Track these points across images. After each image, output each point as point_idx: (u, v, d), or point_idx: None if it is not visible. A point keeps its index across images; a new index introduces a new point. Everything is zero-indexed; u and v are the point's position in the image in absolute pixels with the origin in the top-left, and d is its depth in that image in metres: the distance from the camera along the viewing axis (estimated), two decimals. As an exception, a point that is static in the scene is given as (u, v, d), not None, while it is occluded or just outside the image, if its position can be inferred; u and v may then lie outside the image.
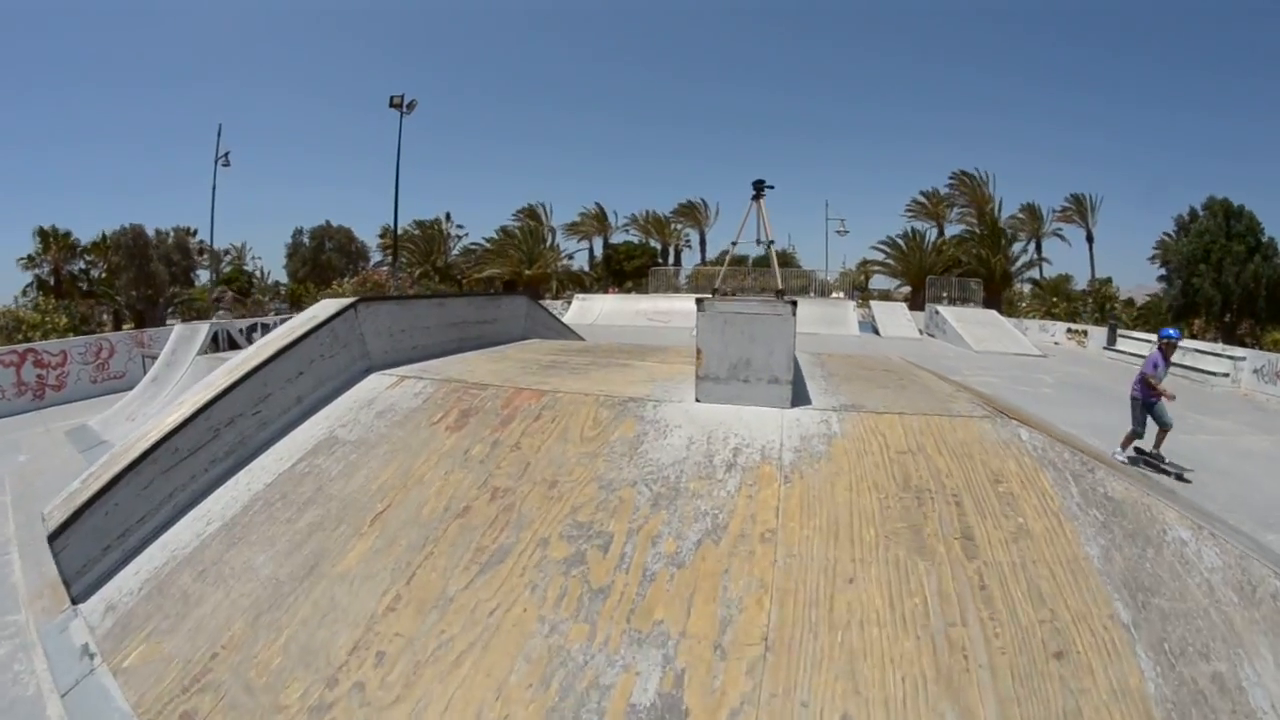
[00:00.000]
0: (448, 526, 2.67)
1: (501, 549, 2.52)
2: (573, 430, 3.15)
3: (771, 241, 6.02)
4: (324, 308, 4.10)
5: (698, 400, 3.29)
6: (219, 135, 25.83)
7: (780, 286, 5.79)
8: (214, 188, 25.48)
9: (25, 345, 9.82)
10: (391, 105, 23.97)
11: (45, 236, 33.61)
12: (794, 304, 3.21)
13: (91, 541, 3.02)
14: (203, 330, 9.63)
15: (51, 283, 33.59)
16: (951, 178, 37.83)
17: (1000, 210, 35.69)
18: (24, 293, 32.57)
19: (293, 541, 2.75)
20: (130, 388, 8.78)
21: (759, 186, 6.06)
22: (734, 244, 6.54)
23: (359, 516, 2.80)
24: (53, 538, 3.01)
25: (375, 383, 3.89)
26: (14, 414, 8.41)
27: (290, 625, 2.35)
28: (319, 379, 3.91)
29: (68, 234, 34.22)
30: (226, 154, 25.14)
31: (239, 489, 3.31)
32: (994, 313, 19.60)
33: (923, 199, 39.43)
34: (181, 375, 6.99)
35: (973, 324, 17.57)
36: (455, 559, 2.49)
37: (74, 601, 2.92)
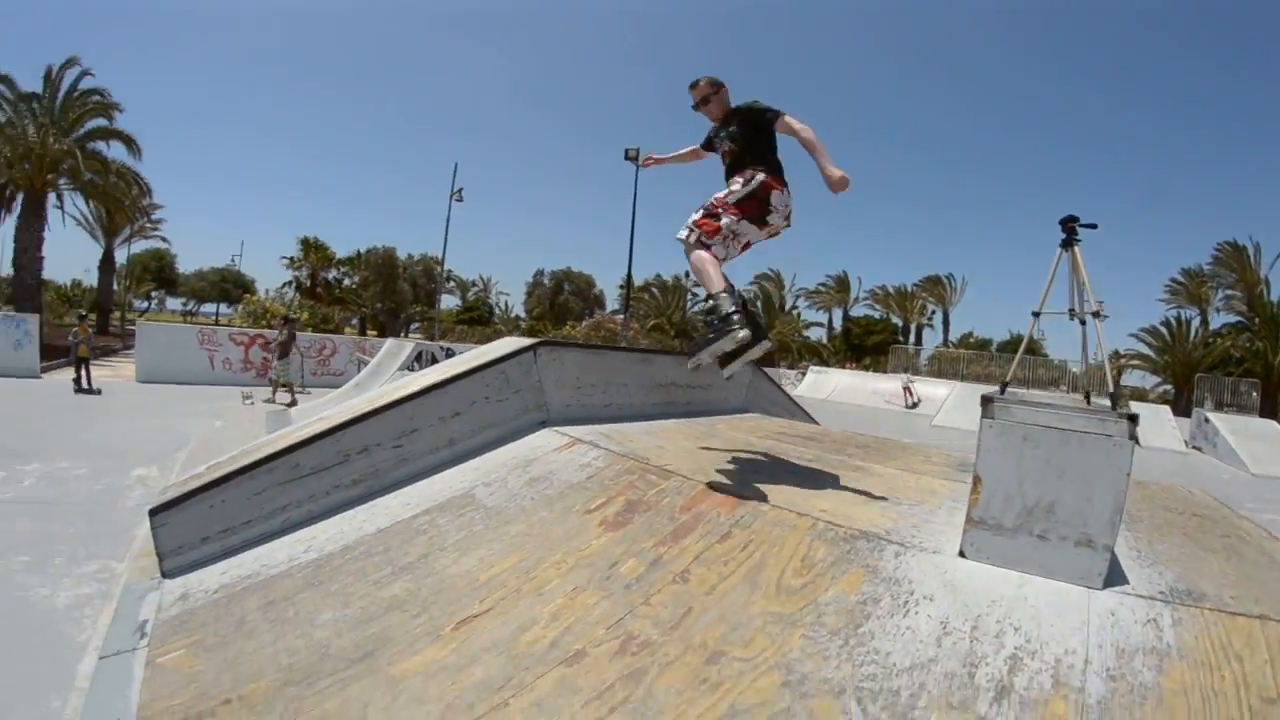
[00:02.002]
0: (542, 675, 2.42)
1: (600, 742, 2.23)
2: (769, 570, 2.73)
3: (1097, 312, 4.44)
4: (499, 346, 4.71)
5: (962, 554, 2.72)
6: (455, 173, 37.40)
7: (1110, 388, 4.45)
8: (448, 219, 38.18)
9: (256, 331, 14.69)
10: (627, 158, 30.33)
11: (307, 245, 51.02)
12: (1133, 420, 2.65)
13: (190, 528, 3.76)
14: (408, 348, 12.61)
15: (308, 285, 50.23)
16: (1217, 249, 40.09)
17: (1269, 291, 37.23)
18: (281, 289, 51.93)
19: (366, 612, 3.00)
20: (343, 384, 12.24)
21: (1070, 226, 4.50)
22: (1036, 314, 4.78)
23: (447, 611, 2.87)
24: (154, 512, 3.78)
25: (544, 440, 4.19)
26: (234, 384, 11.91)
27: (305, 714, 2.44)
28: (479, 423, 4.31)
29: (325, 246, 51.89)
30: (460, 190, 36.32)
31: (353, 525, 3.77)
32: (1275, 424, 20.17)
33: (1181, 279, 42.43)
34: (380, 386, 8.25)
35: (1250, 438, 17.91)
36: None
37: (163, 575, 3.65)
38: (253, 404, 10.79)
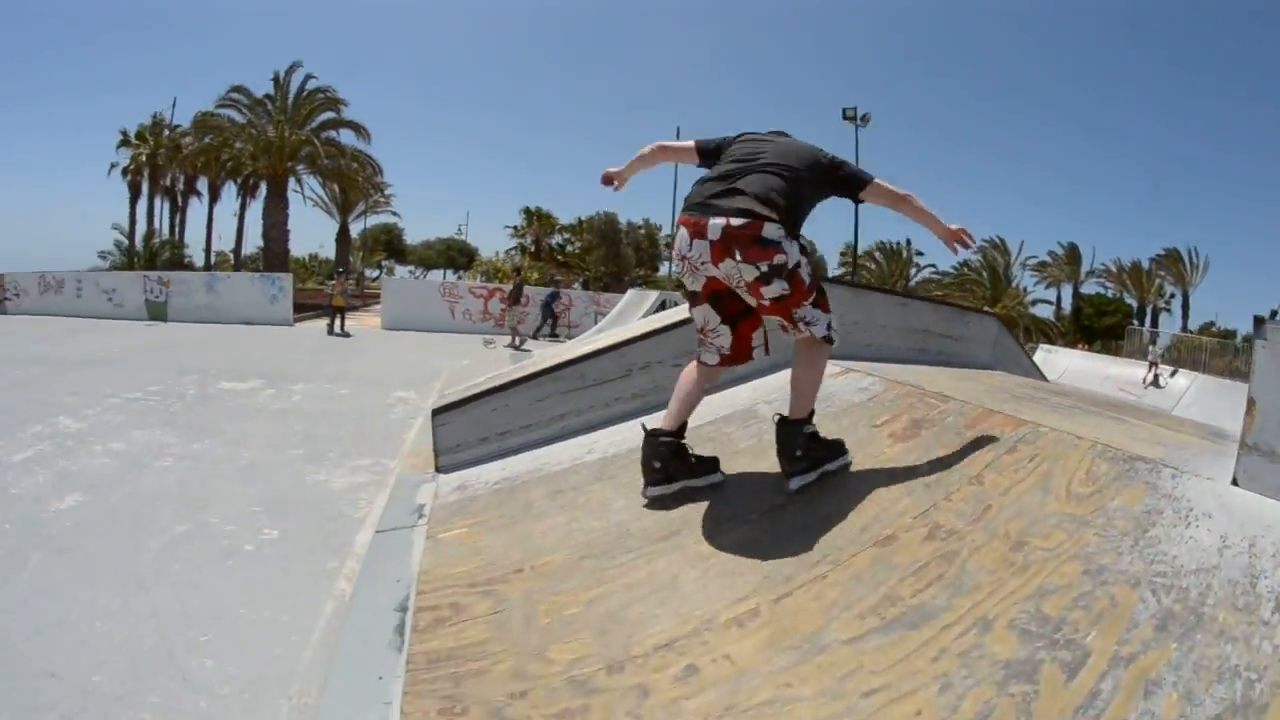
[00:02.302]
0: (858, 552, 2.51)
1: (921, 610, 2.21)
2: (1057, 479, 2.71)
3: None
4: None
5: (1235, 483, 2.40)
6: (677, 136, 33.77)
7: None
8: (675, 183, 35.48)
9: (494, 285, 16.31)
10: (845, 118, 29.18)
11: (529, 214, 54.53)
12: None
13: (470, 428, 4.14)
14: (652, 295, 12.64)
15: (533, 251, 53.97)
16: None
17: None
18: (507, 254, 55.75)
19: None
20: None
21: None
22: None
23: (749, 501, 2.95)
24: (437, 412, 4.22)
25: None
26: (473, 332, 13.27)
27: (609, 583, 2.58)
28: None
29: (549, 214, 55.34)
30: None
31: (633, 432, 3.85)
32: None
33: None
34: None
35: None
36: (853, 595, 2.31)
37: (437, 471, 4.02)
38: (494, 347, 11.94)
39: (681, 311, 4.87)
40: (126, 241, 41.30)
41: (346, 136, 31.51)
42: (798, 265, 2.69)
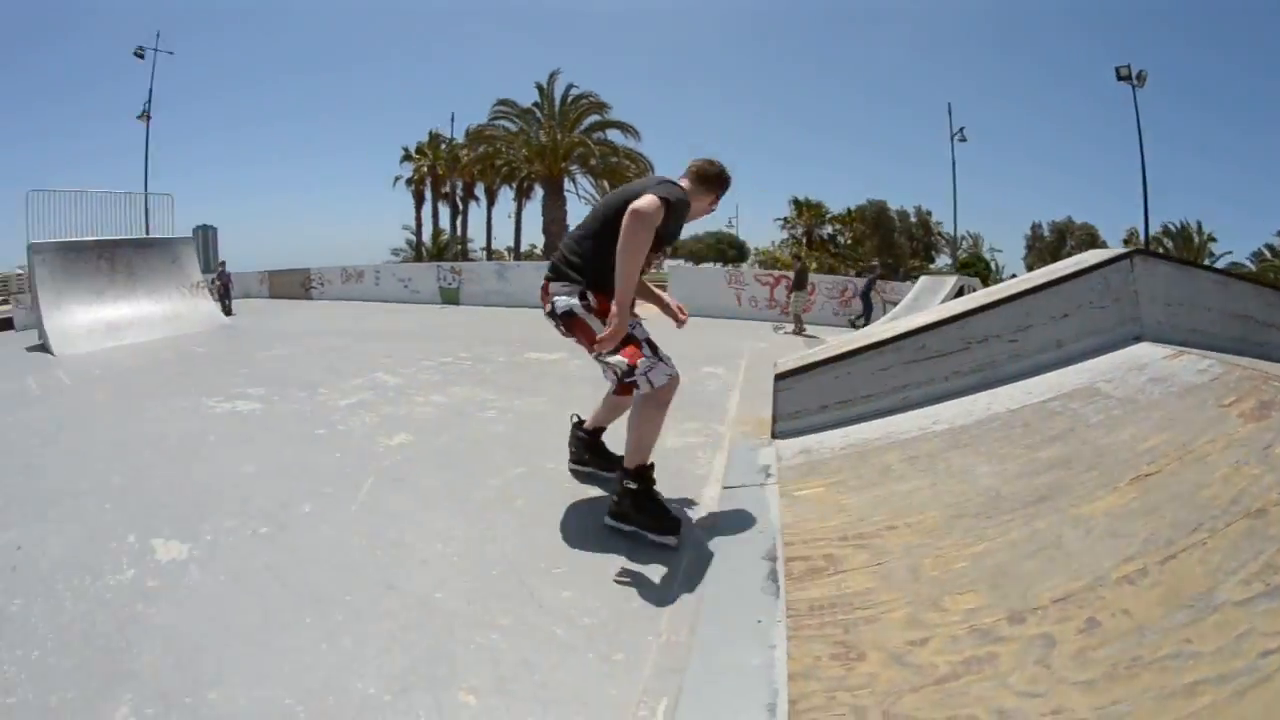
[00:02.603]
0: (1232, 522, 2.42)
1: (1304, 580, 2.26)
2: None
3: None
4: (1091, 255, 4.68)
5: None
6: (949, 114, 34.37)
7: None
8: (954, 164, 34.23)
9: (780, 272, 16.00)
10: (1119, 78, 28.53)
11: (799, 205, 54.58)
12: None
13: (810, 395, 4.24)
14: (950, 281, 13.55)
15: (804, 243, 53.67)
16: None
17: None
18: (779, 246, 55.04)
19: (1027, 466, 3.07)
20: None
21: None
22: None
23: (1115, 470, 2.88)
24: (779, 378, 4.31)
25: (1146, 350, 4.12)
26: (760, 319, 13.65)
27: (990, 540, 2.58)
28: (1084, 328, 4.39)
29: (819, 204, 54.66)
30: (961, 129, 34.43)
31: (975, 406, 3.91)
32: None
33: None
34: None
35: None
36: (1235, 562, 2.23)
37: (774, 436, 4.17)
38: (784, 333, 12.12)
39: (1007, 288, 4.76)
40: (415, 239, 47.44)
41: (614, 136, 33.32)
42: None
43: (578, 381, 6.61)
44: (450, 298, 19.35)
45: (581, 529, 3.26)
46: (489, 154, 34.64)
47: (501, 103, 32.84)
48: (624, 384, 3.15)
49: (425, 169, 47.95)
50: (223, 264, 22.71)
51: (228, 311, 18.69)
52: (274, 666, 2.39)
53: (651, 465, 3.22)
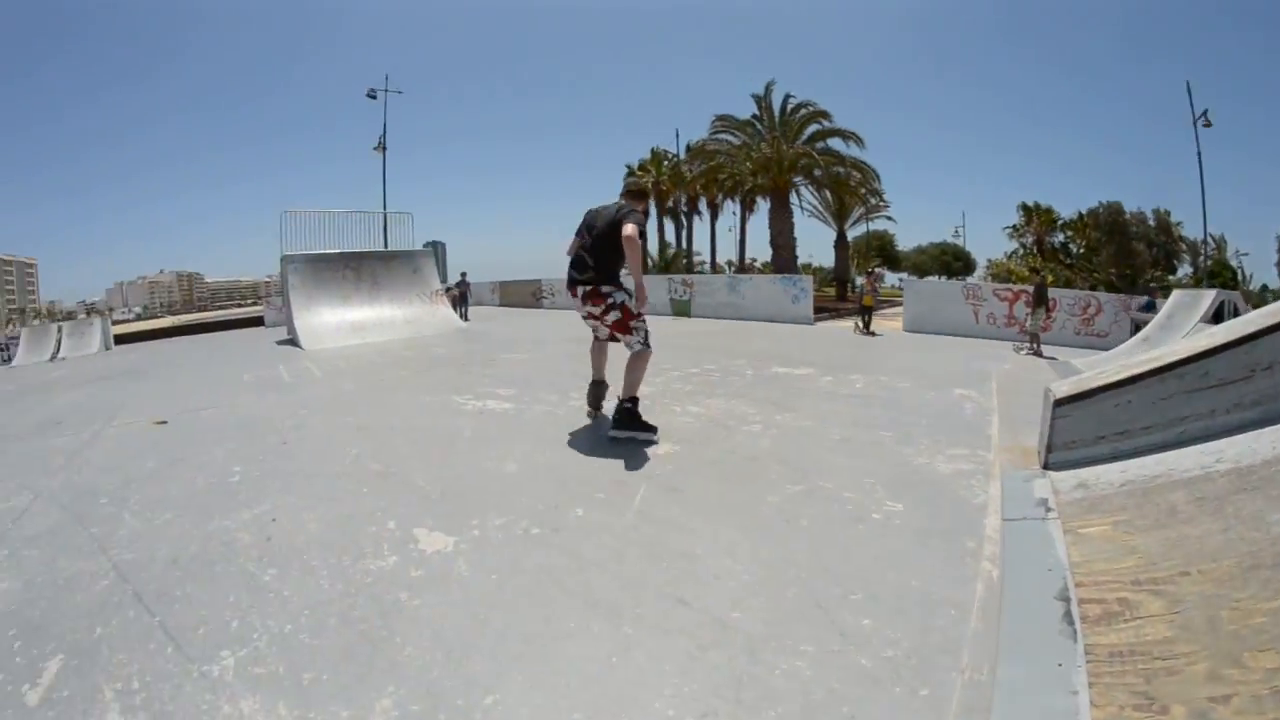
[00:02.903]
0: None
1: None
2: None
3: None
4: None
5: None
6: (1189, 95, 30.34)
7: None
8: (1199, 156, 29.77)
9: (1020, 287, 14.19)
10: None
11: (1028, 210, 49.88)
12: None
13: (1087, 424, 3.93)
14: (1208, 296, 11.91)
15: (1034, 251, 48.89)
16: None
17: None
18: (1007, 256, 51.23)
19: None
20: (1108, 347, 11.87)
21: None
22: None
23: None
24: (1058, 404, 4.04)
25: None
26: (997, 338, 12.66)
27: None
28: None
29: (1049, 209, 49.57)
30: (1204, 112, 30.01)
31: (1260, 444, 3.41)
32: None
33: None
34: (1179, 340, 7.62)
35: None
36: None
37: (1044, 466, 3.94)
38: (1027, 353, 11.26)
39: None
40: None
41: (835, 144, 32.07)
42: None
43: (836, 398, 6.48)
44: (682, 310, 19.45)
45: (869, 554, 3.16)
46: (714, 168, 34.79)
47: (720, 119, 32.99)
48: (626, 337, 5.36)
49: (649, 184, 49.34)
50: (464, 274, 24.60)
51: (464, 317, 20.12)
52: (558, 676, 2.35)
53: (637, 399, 5.19)
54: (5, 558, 4.07)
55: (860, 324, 13.88)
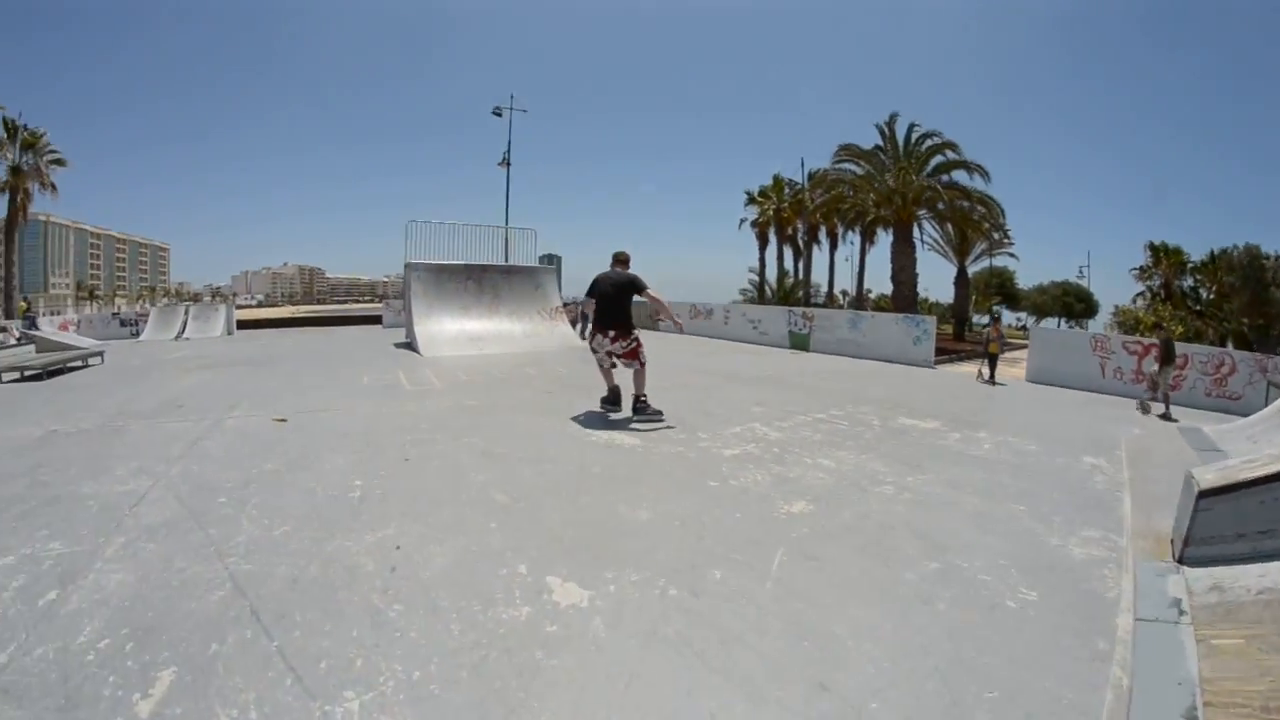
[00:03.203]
0: None
1: None
2: None
3: None
4: None
5: None
6: None
7: None
8: None
9: (1150, 341, 12.80)
10: None
11: (1156, 251, 47.30)
12: None
13: (1228, 519, 3.82)
14: None
15: (1161, 295, 45.66)
16: None
17: None
18: (1134, 300, 47.48)
19: None
20: (1242, 412, 11.00)
21: None
22: None
23: None
24: (1202, 495, 3.93)
25: None
26: (1123, 394, 11.82)
27: None
28: None
29: (1178, 250, 47.10)
30: None
31: None
32: None
33: None
34: None
35: None
36: None
37: (1177, 560, 3.90)
38: (1154, 415, 10.37)
39: None
40: (758, 280, 48.47)
41: (959, 177, 30.80)
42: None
43: (965, 461, 6.32)
44: (800, 343, 19.25)
45: (1004, 650, 3.08)
46: (836, 198, 34.10)
47: (844, 148, 32.08)
48: (632, 361, 7.93)
49: (770, 212, 49.08)
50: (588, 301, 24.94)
51: (582, 336, 20.55)
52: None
53: (645, 395, 7.90)
54: (122, 547, 4.11)
55: (984, 372, 13.44)
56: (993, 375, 13.14)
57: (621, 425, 7.44)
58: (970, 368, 16.06)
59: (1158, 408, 10.72)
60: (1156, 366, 11.35)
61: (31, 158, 36.21)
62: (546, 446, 6.47)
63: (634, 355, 7.98)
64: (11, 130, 35.21)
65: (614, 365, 8.19)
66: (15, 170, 35.48)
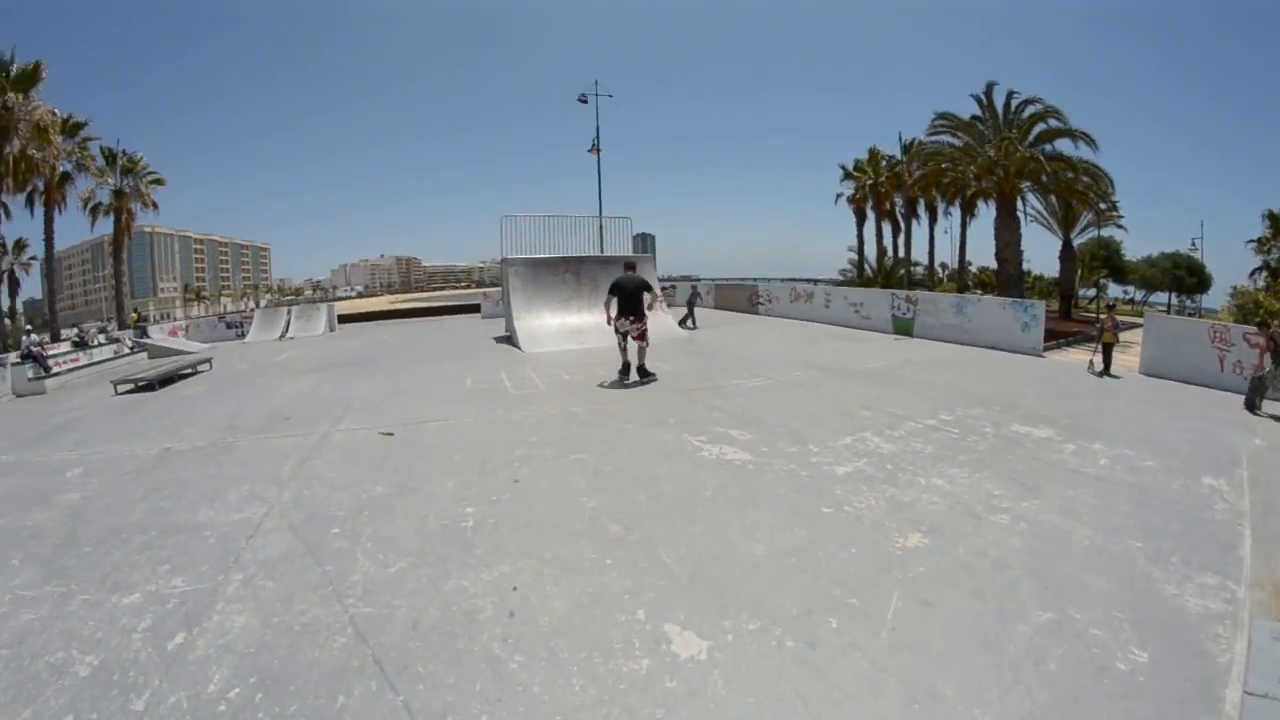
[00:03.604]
0: None
1: None
2: None
3: None
4: None
5: None
6: None
7: None
8: None
9: (1271, 331, 11.34)
10: None
11: (1275, 220, 43.00)
12: None
13: None
14: None
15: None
16: None
17: None
18: (1250, 276, 43.96)
19: None
20: None
21: None
22: None
23: None
24: None
25: None
26: (1243, 392, 10.41)
27: None
28: None
29: None
30: None
31: None
32: None
33: None
34: None
35: None
36: None
37: None
38: (1262, 416, 9.24)
39: None
40: (857, 258, 47.60)
41: (1062, 146, 28.68)
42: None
43: (1081, 480, 5.97)
44: (903, 328, 18.73)
45: (1106, 715, 3.00)
46: (935, 172, 32.57)
47: (940, 116, 30.44)
48: (641, 340, 11.35)
49: (867, 186, 47.71)
50: (695, 285, 24.95)
51: (693, 325, 20.70)
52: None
53: (646, 365, 11.57)
54: (242, 585, 4.28)
55: (1095, 363, 12.60)
56: (1107, 367, 12.39)
57: (728, 440, 7.28)
58: (1080, 354, 15.35)
59: (1272, 406, 9.67)
60: (1270, 367, 10.06)
61: (132, 180, 38.67)
62: (655, 463, 6.45)
63: (643, 336, 11.46)
64: (110, 157, 37.66)
65: (626, 344, 11.56)
66: (118, 193, 37.97)
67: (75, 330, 23.35)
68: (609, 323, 11.24)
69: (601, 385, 11.30)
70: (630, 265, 12.02)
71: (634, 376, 11.43)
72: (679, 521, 5.02)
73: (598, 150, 30.62)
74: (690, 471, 6.19)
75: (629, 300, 11.22)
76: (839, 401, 9.41)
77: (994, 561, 4.47)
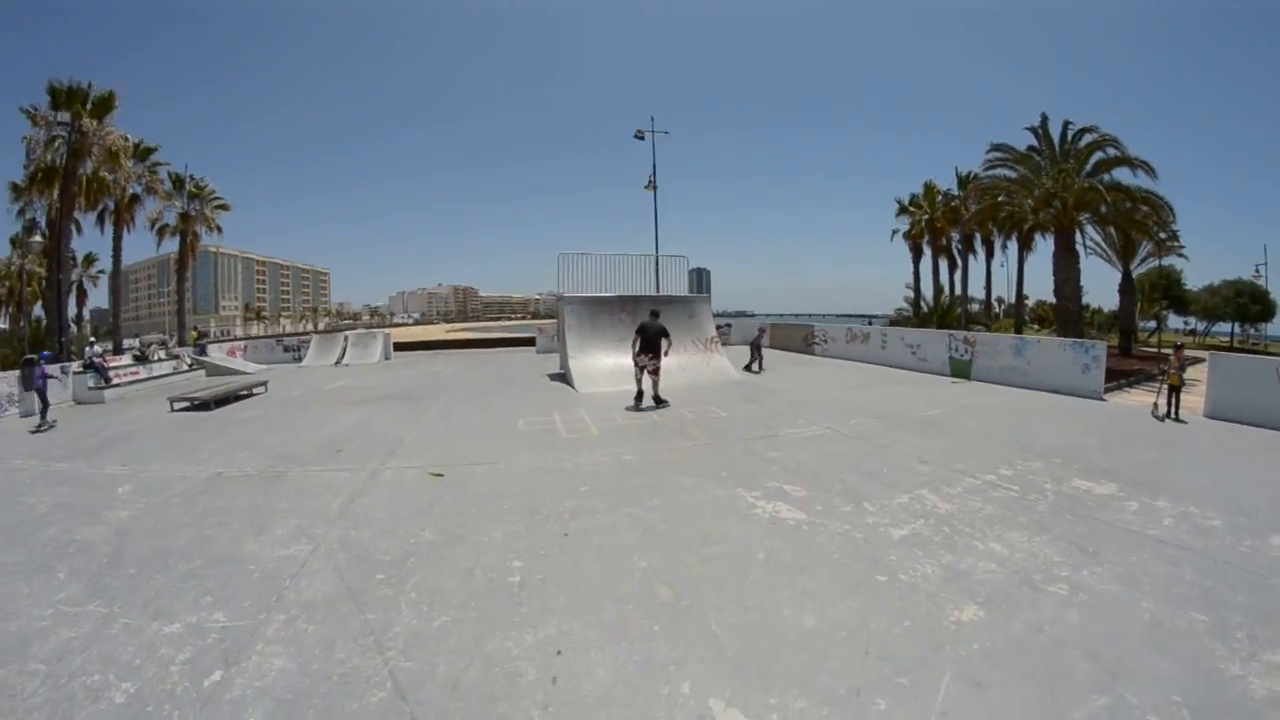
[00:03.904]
0: None
1: None
2: None
3: None
4: None
5: None
6: None
7: None
8: None
9: None
10: None
11: None
12: None
13: None
14: None
15: None
16: None
17: None
18: None
19: None
20: None
21: None
22: None
23: None
24: None
25: None
26: None
27: None
28: None
29: None
30: None
31: None
32: None
33: None
34: None
35: None
36: None
37: None
38: None
39: None
40: (913, 295, 46.64)
41: (1122, 175, 27.52)
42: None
43: (1144, 544, 5.67)
44: (961, 370, 18.32)
45: None
46: (992, 206, 31.52)
47: (996, 148, 29.72)
48: (655, 375, 13.86)
49: (923, 221, 47.15)
50: (761, 329, 24.71)
51: (760, 369, 20.31)
52: None
53: (659, 393, 13.97)
54: (283, 625, 4.24)
55: (1160, 405, 12.11)
56: (1172, 410, 11.82)
57: (782, 495, 7.09)
58: (1143, 395, 14.84)
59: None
60: None
61: (198, 204, 41.08)
62: (708, 520, 6.31)
63: (657, 372, 13.90)
64: (178, 183, 40.07)
65: (642, 376, 13.85)
66: (184, 216, 40.25)
67: (136, 341, 24.03)
68: (633, 359, 13.93)
69: (651, 423, 11.51)
70: (655, 313, 14.55)
71: (648, 402, 13.85)
72: (730, 587, 4.90)
73: (654, 186, 30.66)
74: (743, 531, 6.05)
75: (649, 343, 13.87)
76: (896, 454, 9.13)
77: (1050, 638, 4.25)
